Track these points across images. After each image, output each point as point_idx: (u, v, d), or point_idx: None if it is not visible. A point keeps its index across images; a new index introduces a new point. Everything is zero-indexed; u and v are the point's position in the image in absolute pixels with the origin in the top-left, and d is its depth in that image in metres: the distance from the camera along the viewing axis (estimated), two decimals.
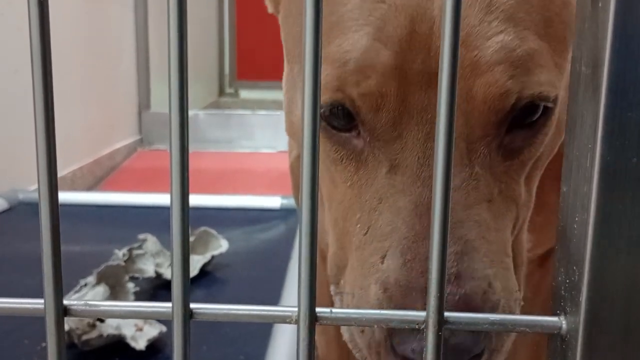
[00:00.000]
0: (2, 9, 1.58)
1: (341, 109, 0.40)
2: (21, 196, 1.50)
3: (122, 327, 0.81)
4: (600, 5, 0.27)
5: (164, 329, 0.82)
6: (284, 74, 0.51)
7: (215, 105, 3.53)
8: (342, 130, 0.41)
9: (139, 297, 0.94)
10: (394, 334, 0.37)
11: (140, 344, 0.79)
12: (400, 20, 0.38)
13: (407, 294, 0.37)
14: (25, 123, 1.59)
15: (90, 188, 2.06)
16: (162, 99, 2.70)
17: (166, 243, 1.05)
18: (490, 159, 0.40)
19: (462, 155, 0.39)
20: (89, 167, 2.10)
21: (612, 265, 0.28)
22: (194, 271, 1.05)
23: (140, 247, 1.03)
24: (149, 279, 1.00)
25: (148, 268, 1.01)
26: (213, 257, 1.09)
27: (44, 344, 0.82)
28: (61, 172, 1.81)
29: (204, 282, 1.05)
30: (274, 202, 1.47)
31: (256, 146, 2.59)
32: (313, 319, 0.30)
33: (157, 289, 1.01)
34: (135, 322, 0.83)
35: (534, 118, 0.41)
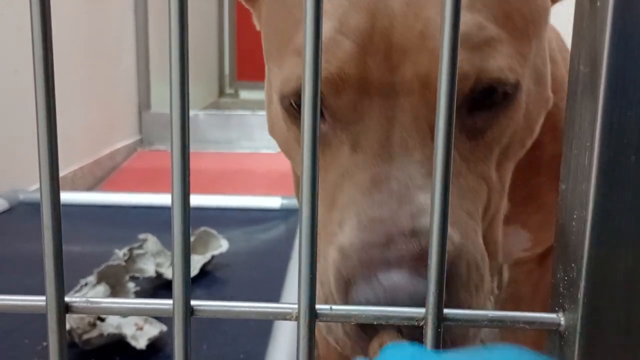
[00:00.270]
0: (2, 9, 1.58)
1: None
2: (21, 196, 1.50)
3: (123, 326, 0.81)
4: (598, 4, 0.27)
5: (164, 328, 0.82)
6: (265, 73, 0.52)
7: (215, 106, 3.53)
8: None
9: (139, 296, 0.94)
10: (349, 293, 0.37)
11: (140, 343, 0.79)
12: (361, 15, 0.40)
13: (362, 253, 0.37)
14: (26, 123, 1.60)
15: (91, 188, 2.06)
16: (162, 99, 2.70)
17: (166, 243, 1.05)
18: (454, 138, 0.41)
19: (425, 135, 0.40)
20: (89, 167, 2.10)
21: (610, 263, 0.28)
22: (194, 271, 1.05)
23: (140, 247, 1.03)
24: (150, 279, 1.01)
25: (148, 268, 1.01)
26: (213, 257, 1.09)
27: (44, 344, 0.83)
28: (61, 172, 1.80)
29: (204, 282, 1.05)
30: (274, 202, 1.48)
31: (256, 147, 2.59)
32: (313, 315, 0.30)
33: (158, 288, 1.01)
34: (135, 321, 0.83)
35: (494, 100, 0.42)
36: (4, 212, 1.44)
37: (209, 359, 0.80)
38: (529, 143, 0.48)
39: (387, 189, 0.38)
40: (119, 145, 2.40)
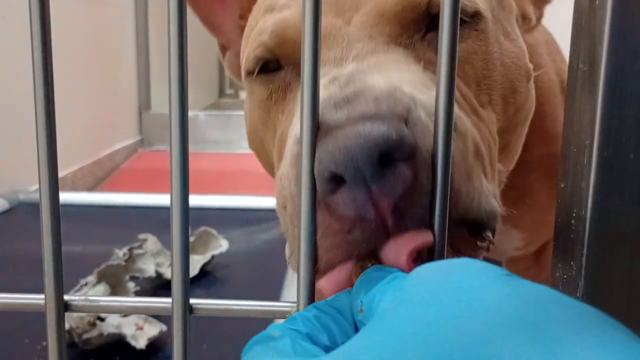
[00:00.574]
0: (3, 12, 1.58)
1: (266, 62, 0.46)
2: (22, 197, 1.50)
3: (123, 326, 0.81)
4: (597, 2, 0.27)
5: (164, 328, 0.82)
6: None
7: (215, 106, 3.53)
8: (271, 72, 0.47)
9: (139, 296, 0.94)
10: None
11: (140, 343, 0.79)
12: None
13: (326, 131, 0.32)
14: (26, 124, 1.59)
15: (91, 189, 2.06)
16: (163, 100, 2.70)
17: (166, 243, 1.05)
18: (415, 47, 0.42)
19: (382, 44, 0.41)
20: (90, 167, 2.10)
21: (609, 261, 0.28)
22: (194, 271, 1.05)
23: (140, 247, 1.04)
24: (149, 279, 1.01)
25: (148, 267, 1.01)
26: (213, 257, 1.09)
27: (44, 343, 0.83)
28: (62, 172, 1.81)
29: (204, 282, 1.05)
30: (274, 202, 1.47)
31: None
32: None
33: (158, 288, 1.01)
34: (135, 321, 0.83)
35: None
36: (4, 212, 1.44)
37: (209, 359, 0.80)
38: (512, 106, 0.47)
39: (341, 82, 0.37)
40: (119, 145, 2.40)
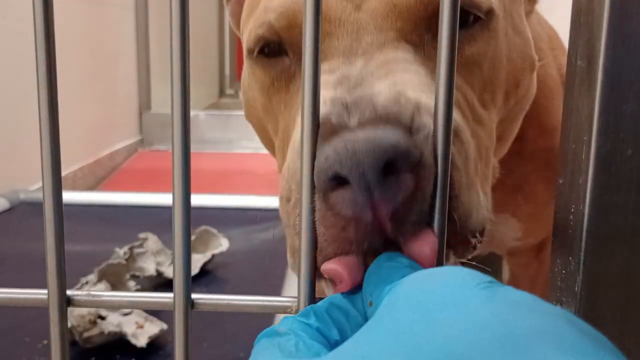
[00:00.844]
0: (4, 12, 1.59)
1: (266, 41, 0.44)
2: (22, 196, 1.50)
3: (123, 325, 0.81)
4: None
5: (164, 326, 0.82)
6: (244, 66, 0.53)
7: (215, 106, 3.53)
8: (273, 56, 0.45)
9: None
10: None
11: (141, 341, 0.80)
12: None
13: (326, 123, 0.33)
14: (27, 124, 1.60)
15: (91, 188, 2.06)
16: (163, 99, 2.71)
17: (167, 242, 1.05)
18: (425, 47, 0.41)
19: (387, 41, 0.40)
20: (90, 167, 2.10)
21: (607, 256, 0.28)
22: (194, 270, 1.05)
23: (141, 246, 1.04)
24: (150, 277, 1.01)
25: (149, 266, 1.01)
26: (214, 256, 1.09)
27: (44, 342, 0.83)
28: (62, 172, 1.81)
29: (205, 281, 1.05)
30: (274, 202, 1.47)
31: (256, 147, 2.58)
32: None
33: (158, 287, 1.01)
34: (136, 319, 0.83)
35: (467, 22, 0.42)
36: (5, 211, 1.44)
37: (210, 358, 0.80)
38: (513, 98, 0.47)
39: (349, 83, 0.37)
40: (119, 145, 2.40)
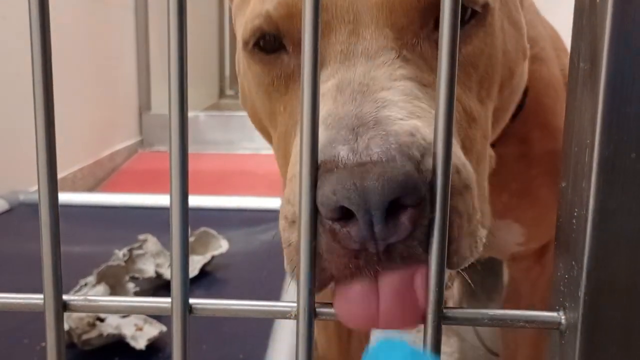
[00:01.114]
0: (4, 12, 1.58)
1: (263, 33, 0.42)
2: (22, 197, 1.50)
3: (122, 327, 0.81)
4: (598, 0, 0.27)
5: (164, 328, 0.82)
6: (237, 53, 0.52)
7: (215, 107, 3.54)
8: (271, 52, 0.43)
9: (139, 296, 0.94)
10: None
11: (140, 344, 0.79)
12: None
13: (326, 149, 0.33)
14: (26, 124, 1.59)
15: (91, 189, 2.06)
16: (163, 100, 2.70)
17: (166, 244, 1.05)
18: (421, 48, 0.40)
19: (388, 41, 0.39)
20: (90, 168, 2.10)
21: (611, 260, 0.28)
22: (194, 271, 1.04)
23: (140, 247, 1.03)
24: (149, 279, 1.00)
25: (148, 268, 1.01)
26: (213, 257, 1.09)
27: (43, 344, 0.83)
28: (62, 173, 1.81)
29: (204, 283, 1.05)
30: (274, 203, 1.47)
31: (256, 148, 2.59)
32: (312, 314, 0.30)
33: (157, 289, 1.01)
34: (135, 321, 0.83)
35: (464, 20, 0.42)
36: (4, 212, 1.44)
37: None
38: (507, 88, 0.47)
39: (350, 90, 0.36)
40: (119, 146, 2.40)
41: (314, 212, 0.29)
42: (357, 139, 0.33)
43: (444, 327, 0.30)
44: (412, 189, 0.30)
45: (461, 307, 0.31)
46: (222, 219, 1.32)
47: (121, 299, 0.32)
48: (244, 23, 0.45)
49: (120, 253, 1.00)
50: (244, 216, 1.42)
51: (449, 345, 1.17)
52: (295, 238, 0.36)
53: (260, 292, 1.00)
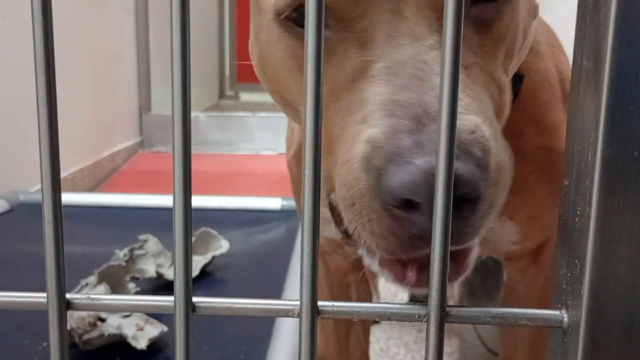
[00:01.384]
0: (4, 13, 1.58)
1: (301, 5, 0.41)
2: (22, 197, 1.50)
3: (123, 327, 0.81)
4: None
5: (165, 328, 0.82)
6: (250, 17, 0.51)
7: (215, 108, 3.54)
8: None
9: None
10: (383, 184, 0.35)
11: (141, 344, 0.79)
12: None
13: (393, 139, 0.35)
14: (27, 125, 1.60)
15: (91, 190, 2.06)
16: (163, 101, 2.70)
17: (167, 244, 1.05)
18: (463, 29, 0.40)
19: (432, 23, 0.39)
20: (90, 168, 2.10)
21: (614, 259, 0.28)
22: (195, 272, 1.04)
23: (141, 248, 1.03)
24: (150, 279, 1.00)
25: (149, 268, 1.01)
26: (214, 257, 1.09)
27: (44, 344, 0.83)
28: (62, 174, 1.80)
29: (205, 283, 1.05)
30: (274, 203, 1.48)
31: (256, 148, 2.59)
32: (315, 312, 0.30)
33: (158, 289, 1.01)
34: (136, 321, 0.83)
35: None
36: (5, 213, 1.44)
37: None
38: (523, 50, 0.47)
39: (405, 74, 0.37)
40: (119, 147, 2.40)
41: (317, 210, 0.29)
42: (421, 130, 0.34)
43: (445, 326, 0.30)
44: (473, 188, 0.34)
45: (463, 306, 0.31)
46: (222, 219, 1.32)
47: (124, 297, 0.32)
48: None
49: (121, 253, 1.00)
50: (245, 216, 1.42)
51: (449, 346, 1.17)
52: (357, 219, 0.38)
53: (261, 293, 1.00)
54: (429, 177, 0.32)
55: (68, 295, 0.31)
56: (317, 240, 0.30)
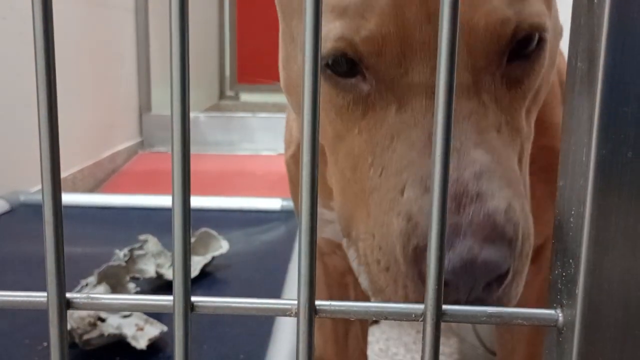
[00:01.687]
0: (4, 13, 1.59)
1: (344, 57, 0.41)
2: (22, 198, 1.50)
3: (123, 327, 0.81)
4: (595, 0, 0.27)
5: (164, 328, 0.82)
6: (280, 32, 0.51)
7: (215, 108, 3.54)
8: (347, 76, 0.42)
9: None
10: (420, 259, 0.37)
11: (141, 344, 0.80)
12: None
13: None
14: (27, 125, 1.60)
15: (91, 190, 2.06)
16: (163, 101, 2.71)
17: (167, 244, 1.05)
18: (495, 88, 0.41)
19: (469, 86, 0.39)
20: (90, 169, 2.10)
21: (608, 258, 0.28)
22: (194, 272, 1.05)
23: (141, 248, 1.04)
24: (150, 280, 1.01)
25: (149, 268, 1.01)
26: (214, 258, 1.09)
27: (44, 344, 0.83)
28: (62, 174, 1.81)
29: (205, 283, 1.05)
30: (274, 203, 1.48)
31: (256, 149, 2.59)
32: (312, 311, 0.30)
33: (158, 289, 1.01)
34: (136, 321, 0.83)
35: (531, 48, 0.42)
36: (5, 213, 1.44)
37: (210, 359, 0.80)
38: (551, 80, 0.48)
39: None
40: (119, 147, 2.40)
41: (315, 208, 0.30)
42: (460, 211, 0.36)
43: (444, 327, 0.30)
44: (506, 267, 0.37)
45: (459, 305, 0.31)
46: (222, 219, 1.32)
47: (123, 296, 0.32)
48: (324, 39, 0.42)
49: (121, 253, 1.00)
50: (245, 217, 1.42)
51: (448, 346, 1.18)
52: (386, 284, 0.40)
53: (261, 293, 1.01)
54: (467, 263, 0.35)
55: (68, 295, 0.31)
56: (314, 240, 0.30)
